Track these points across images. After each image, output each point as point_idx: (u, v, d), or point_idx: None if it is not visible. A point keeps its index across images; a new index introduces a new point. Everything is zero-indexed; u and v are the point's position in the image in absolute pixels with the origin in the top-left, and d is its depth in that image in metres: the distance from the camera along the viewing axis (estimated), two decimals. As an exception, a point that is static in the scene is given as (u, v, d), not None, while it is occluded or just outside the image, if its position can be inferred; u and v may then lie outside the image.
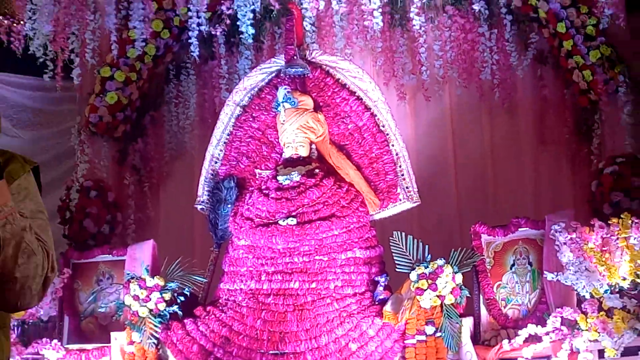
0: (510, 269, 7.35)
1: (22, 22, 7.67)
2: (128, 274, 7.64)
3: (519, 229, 7.40)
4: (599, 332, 6.58)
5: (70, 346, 7.71)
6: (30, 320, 7.74)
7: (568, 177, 8.25)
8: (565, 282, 6.83)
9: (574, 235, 6.79)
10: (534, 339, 6.81)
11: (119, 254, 8.11)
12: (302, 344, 7.02)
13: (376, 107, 7.73)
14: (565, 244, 6.79)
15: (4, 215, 2.33)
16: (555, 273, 6.88)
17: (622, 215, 6.83)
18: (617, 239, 6.68)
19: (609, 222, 6.83)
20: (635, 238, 6.62)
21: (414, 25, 7.94)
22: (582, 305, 6.76)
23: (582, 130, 8.13)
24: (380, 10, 7.70)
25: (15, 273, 2.37)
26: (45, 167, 9.60)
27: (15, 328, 7.47)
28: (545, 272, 7.07)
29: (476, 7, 7.82)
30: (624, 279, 6.63)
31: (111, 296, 7.95)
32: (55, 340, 7.61)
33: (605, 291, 6.68)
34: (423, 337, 6.83)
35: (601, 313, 6.62)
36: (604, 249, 6.69)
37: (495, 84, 8.28)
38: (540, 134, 8.34)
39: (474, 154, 8.49)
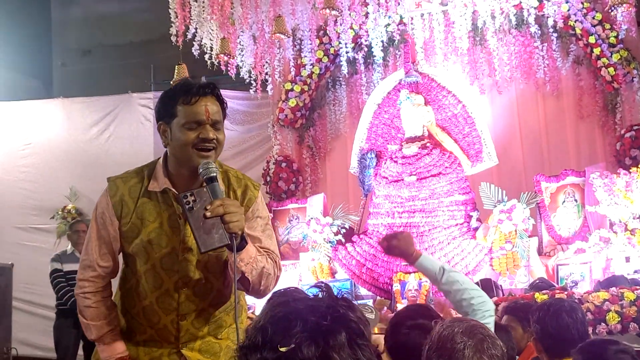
0: (562, 204, 7.17)
1: (234, 57, 7.84)
2: (309, 215, 7.77)
3: (567, 177, 7.22)
4: (625, 245, 6.37)
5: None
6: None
7: (600, 140, 7.91)
8: (601, 212, 6.63)
9: (605, 180, 6.61)
10: (579, 251, 6.64)
11: (302, 203, 8.24)
12: (423, 258, 7.00)
13: (465, 99, 7.63)
14: (600, 186, 6.60)
15: (250, 267, 2.44)
16: (594, 206, 6.69)
17: (639, 165, 6.63)
18: (636, 181, 6.46)
19: (630, 170, 6.65)
20: (649, 180, 6.43)
21: (489, 44, 7.80)
22: (613, 227, 6.56)
23: (609, 108, 7.79)
24: (466, 35, 7.58)
25: (260, 287, 2.54)
26: (252, 149, 9.90)
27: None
28: (586, 205, 6.88)
29: (532, 29, 7.62)
30: (642, 208, 6.44)
31: (298, 230, 8.06)
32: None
33: (629, 217, 6.46)
34: (504, 252, 6.73)
35: (626, 232, 6.41)
36: (627, 188, 6.48)
37: (547, 80, 7.98)
38: (579, 112, 8.01)
39: (533, 127, 8.22)
